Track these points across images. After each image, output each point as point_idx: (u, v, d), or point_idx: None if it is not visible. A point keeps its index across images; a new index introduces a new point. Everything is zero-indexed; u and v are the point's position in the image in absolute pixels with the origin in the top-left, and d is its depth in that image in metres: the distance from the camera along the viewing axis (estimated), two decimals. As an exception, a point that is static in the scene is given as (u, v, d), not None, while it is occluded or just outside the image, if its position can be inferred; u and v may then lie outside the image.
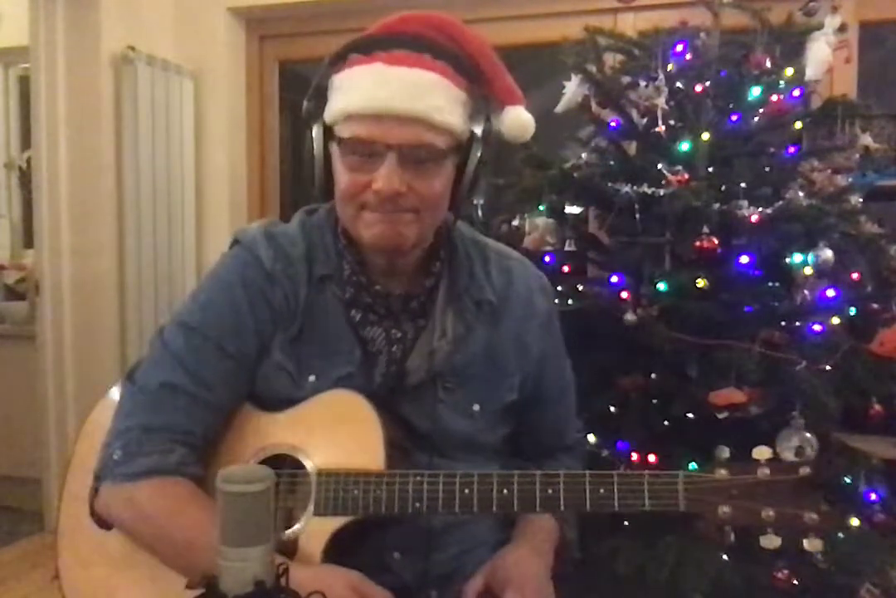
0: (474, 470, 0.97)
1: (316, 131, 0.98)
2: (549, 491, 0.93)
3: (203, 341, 1.01)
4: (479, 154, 0.99)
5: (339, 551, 0.96)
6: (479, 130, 0.98)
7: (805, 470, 0.89)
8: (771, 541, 0.89)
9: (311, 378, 1.02)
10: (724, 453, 0.93)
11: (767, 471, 0.90)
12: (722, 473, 0.91)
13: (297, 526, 0.97)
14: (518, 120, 1.02)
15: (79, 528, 1.05)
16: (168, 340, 1.02)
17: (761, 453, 0.91)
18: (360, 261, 1.04)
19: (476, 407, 1.06)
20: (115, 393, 1.10)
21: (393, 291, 1.05)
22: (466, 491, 0.94)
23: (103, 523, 1.02)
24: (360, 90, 0.94)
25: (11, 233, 3.94)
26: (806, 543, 0.89)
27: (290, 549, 0.95)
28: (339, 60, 0.97)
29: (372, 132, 0.93)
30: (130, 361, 2.90)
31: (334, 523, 0.95)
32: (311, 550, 0.94)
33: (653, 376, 1.60)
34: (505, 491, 0.94)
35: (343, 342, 1.03)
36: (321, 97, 0.98)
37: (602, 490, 0.92)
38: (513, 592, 0.97)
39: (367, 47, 0.96)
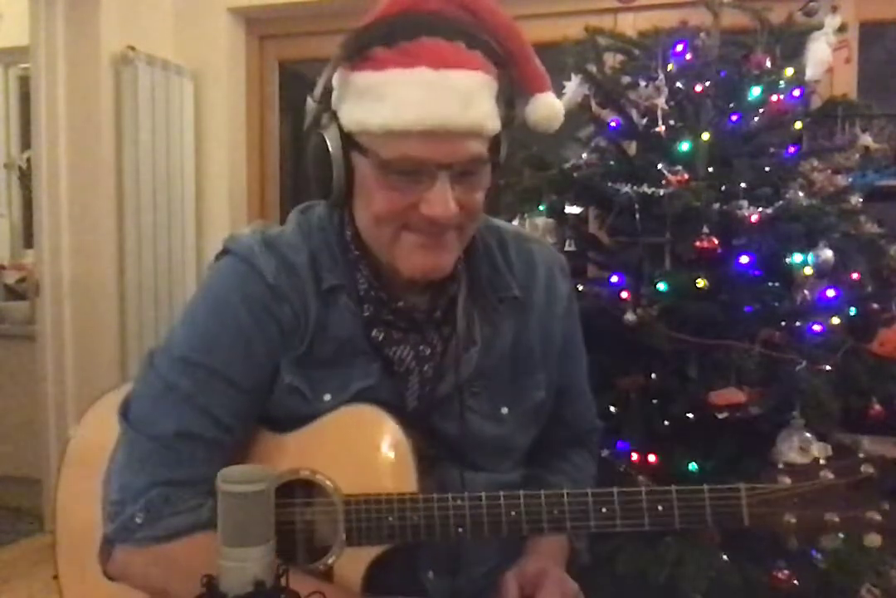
0: (503, 480, 0.94)
1: (333, 137, 0.85)
2: (604, 510, 0.88)
3: (210, 376, 0.90)
4: (506, 147, 0.91)
5: (377, 577, 0.92)
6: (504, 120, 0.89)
7: (868, 469, 0.87)
8: (832, 541, 0.91)
9: (327, 397, 0.93)
10: (783, 457, 0.93)
11: (830, 475, 0.87)
12: (785, 481, 0.88)
13: (330, 557, 0.91)
14: (549, 108, 0.93)
15: (86, 561, 0.99)
16: (170, 378, 0.90)
17: (822, 450, 0.92)
18: (376, 274, 0.94)
19: (504, 410, 1.00)
20: (94, 422, 1.05)
21: (417, 306, 0.96)
22: (513, 513, 0.88)
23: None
24: (408, 103, 0.81)
25: (11, 233, 3.95)
26: (866, 539, 0.89)
27: (326, 578, 0.90)
28: (357, 55, 0.84)
29: (424, 152, 0.81)
30: (130, 361, 2.90)
31: (371, 552, 0.90)
32: (350, 579, 0.90)
33: (653, 376, 1.60)
34: (556, 511, 0.88)
35: (358, 355, 0.94)
36: (331, 97, 0.87)
37: (660, 507, 0.87)
38: (548, 587, 0.92)
39: (390, 37, 0.83)
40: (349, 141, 0.86)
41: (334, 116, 0.86)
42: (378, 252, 0.92)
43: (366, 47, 0.84)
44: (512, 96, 0.90)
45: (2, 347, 3.31)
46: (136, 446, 0.90)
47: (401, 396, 0.96)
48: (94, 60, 2.81)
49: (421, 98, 0.81)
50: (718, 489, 0.88)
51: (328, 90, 0.87)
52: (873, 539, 0.88)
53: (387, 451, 0.91)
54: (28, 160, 3.50)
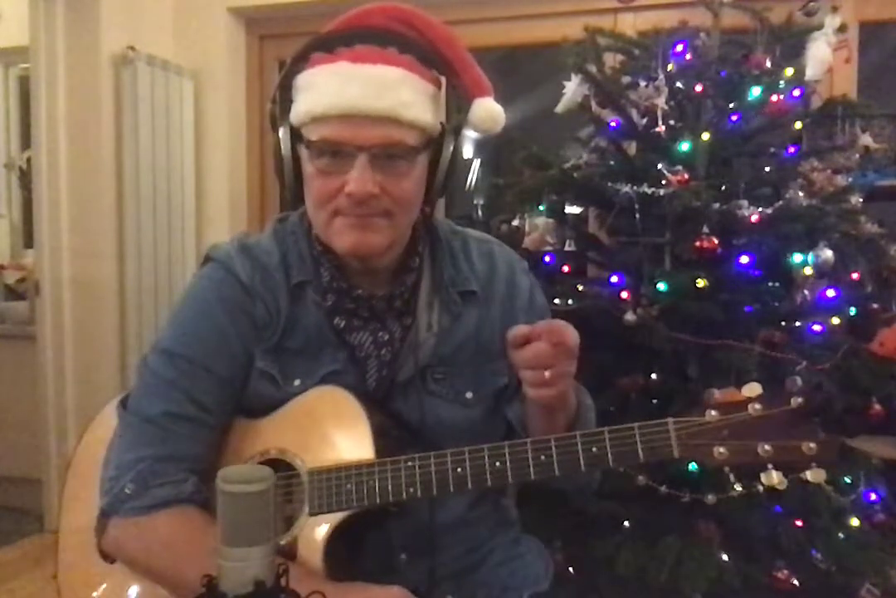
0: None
1: (283, 133, 0.96)
2: (542, 457, 0.91)
3: (190, 366, 0.99)
4: (451, 148, 0.98)
5: (340, 551, 0.94)
6: (449, 123, 0.98)
7: (797, 400, 0.86)
8: (771, 478, 0.86)
9: (297, 382, 1.01)
10: (713, 394, 0.90)
11: (758, 406, 0.86)
12: (712, 414, 0.88)
13: (294, 529, 0.94)
14: (488, 111, 0.99)
15: (85, 562, 1.04)
16: (157, 368, 1.00)
17: (752, 389, 0.88)
18: (337, 266, 1.02)
19: (469, 394, 1.05)
20: (101, 425, 1.10)
21: (375, 293, 1.03)
22: (459, 470, 0.92)
23: (108, 557, 1.01)
24: (326, 90, 0.92)
25: (11, 233, 3.95)
26: (809, 474, 0.86)
27: (290, 554, 0.93)
28: (302, 60, 0.96)
29: (340, 133, 0.92)
30: (130, 361, 2.90)
31: (330, 521, 0.94)
32: (311, 552, 0.92)
33: (653, 376, 1.60)
34: (497, 464, 0.92)
35: (326, 345, 1.02)
36: (286, 99, 0.97)
37: (595, 449, 0.90)
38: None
39: (330, 44, 0.95)
40: (296, 136, 0.96)
41: (285, 116, 0.96)
42: (321, 237, 1.01)
43: (308, 54, 0.96)
44: (458, 101, 0.99)
45: (2, 347, 3.30)
46: (130, 428, 1.00)
47: (363, 380, 1.02)
48: (94, 60, 2.81)
49: (337, 86, 0.92)
50: (647, 425, 0.90)
51: (283, 95, 0.97)
52: (817, 474, 0.85)
53: (345, 422, 0.97)
54: (28, 160, 3.50)
